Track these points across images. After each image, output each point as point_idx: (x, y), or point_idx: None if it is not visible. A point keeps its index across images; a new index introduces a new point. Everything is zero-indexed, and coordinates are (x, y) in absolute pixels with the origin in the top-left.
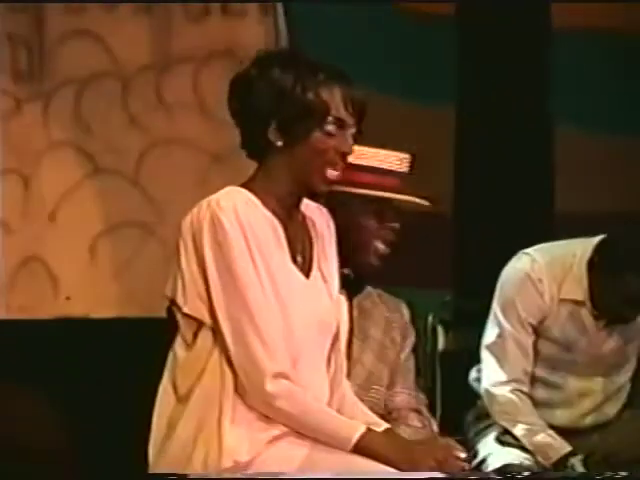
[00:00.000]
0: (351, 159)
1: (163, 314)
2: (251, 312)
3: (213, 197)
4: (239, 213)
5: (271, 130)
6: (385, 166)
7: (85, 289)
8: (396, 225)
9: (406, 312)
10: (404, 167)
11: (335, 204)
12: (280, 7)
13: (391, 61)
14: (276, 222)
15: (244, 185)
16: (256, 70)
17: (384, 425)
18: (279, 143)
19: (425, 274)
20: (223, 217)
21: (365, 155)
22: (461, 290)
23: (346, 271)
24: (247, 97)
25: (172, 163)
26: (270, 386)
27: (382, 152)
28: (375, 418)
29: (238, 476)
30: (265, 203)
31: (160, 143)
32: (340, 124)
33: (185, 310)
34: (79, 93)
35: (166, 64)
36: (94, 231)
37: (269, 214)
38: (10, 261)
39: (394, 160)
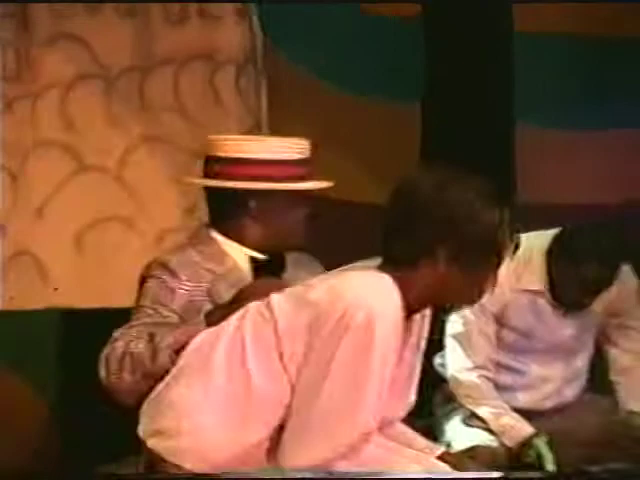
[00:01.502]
0: (259, 155)
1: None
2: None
3: (367, 291)
4: (390, 322)
5: (442, 250)
6: (292, 155)
7: (72, 281)
8: (314, 210)
9: None
10: (307, 153)
11: (259, 196)
12: (254, 10)
13: (358, 60)
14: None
15: (393, 277)
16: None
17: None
18: (441, 266)
19: None
20: (377, 325)
21: (269, 147)
22: None
23: (259, 256)
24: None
25: (153, 160)
26: None
27: (286, 140)
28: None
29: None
30: (404, 303)
31: (142, 141)
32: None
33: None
34: (65, 94)
35: (148, 66)
36: (80, 225)
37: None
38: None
39: (298, 147)
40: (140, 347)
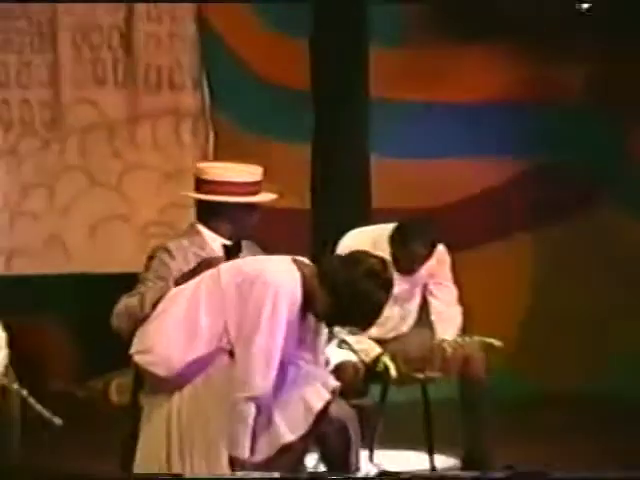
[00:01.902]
0: (229, 178)
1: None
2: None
3: (280, 270)
4: (292, 293)
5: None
6: (249, 178)
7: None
8: (256, 214)
9: None
10: (258, 176)
11: (229, 205)
12: (205, 82)
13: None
14: None
15: (299, 270)
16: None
17: None
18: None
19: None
20: (284, 294)
21: (230, 171)
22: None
23: (228, 242)
24: None
25: (140, 179)
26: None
27: (243, 167)
28: None
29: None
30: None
31: (132, 168)
32: None
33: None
34: (83, 137)
35: (135, 119)
36: (93, 220)
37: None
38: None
39: (250, 173)
40: (134, 302)
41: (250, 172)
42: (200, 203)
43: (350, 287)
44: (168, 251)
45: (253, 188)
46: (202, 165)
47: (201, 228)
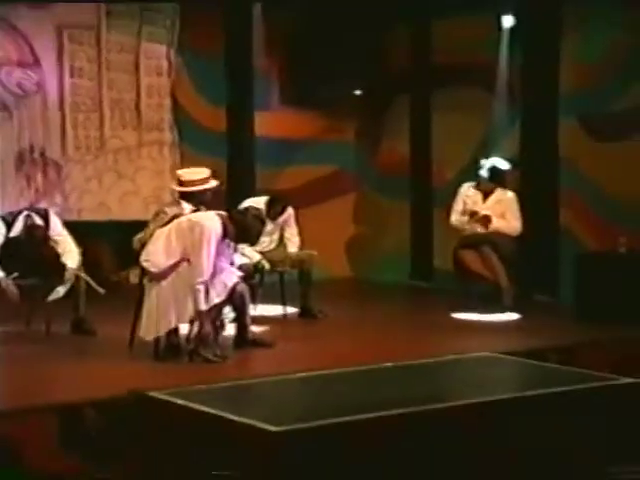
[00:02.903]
0: (194, 177)
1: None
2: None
3: (209, 218)
4: (217, 232)
5: None
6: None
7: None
8: (210, 193)
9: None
10: (207, 173)
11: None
12: (175, 127)
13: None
14: None
15: (220, 217)
16: None
17: None
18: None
19: None
20: (212, 232)
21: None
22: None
23: (194, 208)
24: None
25: (145, 174)
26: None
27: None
28: None
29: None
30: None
31: (140, 169)
32: None
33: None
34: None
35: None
36: (118, 196)
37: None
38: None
39: (203, 172)
40: (142, 234)
41: (203, 172)
42: (181, 193)
43: (244, 223)
44: (164, 212)
45: (206, 180)
46: (179, 172)
47: (181, 202)
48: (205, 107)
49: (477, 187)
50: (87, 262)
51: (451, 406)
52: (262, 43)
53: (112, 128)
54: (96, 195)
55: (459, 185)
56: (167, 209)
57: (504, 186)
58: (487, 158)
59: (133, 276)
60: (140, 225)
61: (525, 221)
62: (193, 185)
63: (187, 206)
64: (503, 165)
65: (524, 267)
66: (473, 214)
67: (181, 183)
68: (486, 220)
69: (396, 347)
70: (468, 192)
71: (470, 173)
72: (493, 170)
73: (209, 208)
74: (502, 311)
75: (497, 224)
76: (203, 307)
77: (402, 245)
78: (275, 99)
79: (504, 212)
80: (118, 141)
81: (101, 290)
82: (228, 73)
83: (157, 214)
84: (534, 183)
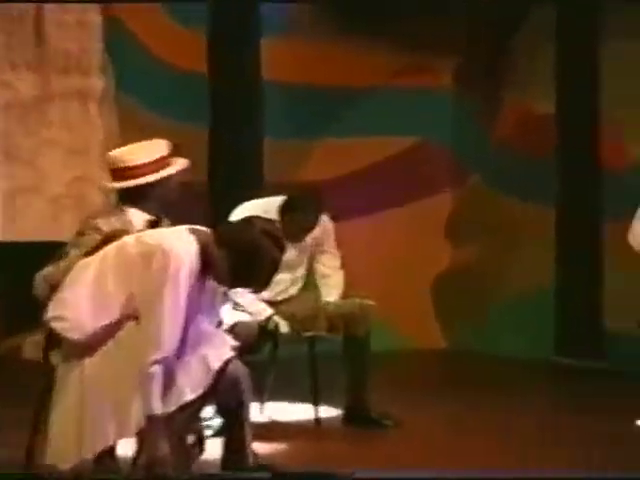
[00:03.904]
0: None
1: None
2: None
3: (176, 239)
4: (189, 261)
5: None
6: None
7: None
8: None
9: None
10: (165, 149)
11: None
12: (111, 67)
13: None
14: None
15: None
16: None
17: None
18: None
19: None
20: (183, 261)
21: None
22: None
23: (151, 218)
24: None
25: (51, 155)
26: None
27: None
28: None
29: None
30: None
31: (44, 144)
32: None
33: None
34: None
35: (46, 99)
36: (8, 192)
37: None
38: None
39: (158, 148)
40: (51, 270)
41: (158, 147)
42: (122, 190)
43: (246, 245)
44: (98, 230)
45: (164, 162)
46: (113, 154)
47: (126, 207)
48: (171, 28)
49: None
50: None
51: None
52: None
53: None
54: None
55: None
56: (100, 221)
57: None
58: None
59: (30, 347)
60: (45, 251)
61: None
62: (139, 173)
63: (137, 215)
64: None
65: None
66: None
67: (118, 172)
68: None
69: None
70: None
71: None
72: None
73: (176, 220)
74: None
75: None
76: (158, 409)
77: (542, 289)
78: (301, 16)
79: None
80: (4, 90)
81: None
82: None
83: (81, 232)
84: None
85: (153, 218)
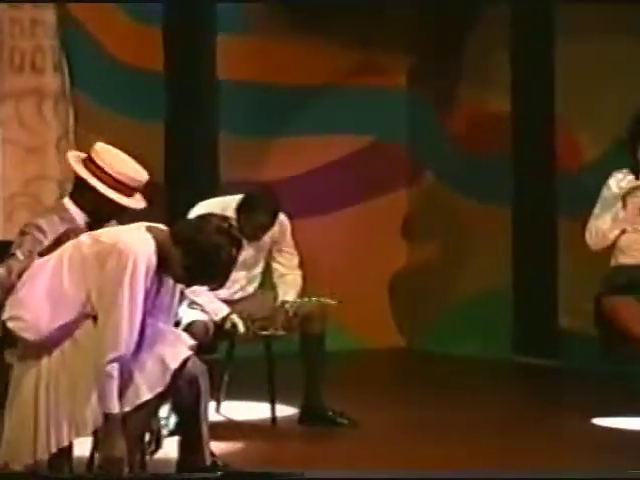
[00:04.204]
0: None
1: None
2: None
3: (133, 238)
4: (146, 260)
5: None
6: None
7: None
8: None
9: None
10: (142, 181)
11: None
12: (66, 65)
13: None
14: None
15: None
16: None
17: None
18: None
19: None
20: (140, 261)
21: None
22: None
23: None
24: None
25: (6, 153)
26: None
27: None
28: None
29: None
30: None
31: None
32: None
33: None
34: None
35: (0, 98)
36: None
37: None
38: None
39: (138, 176)
40: (2, 272)
41: (138, 175)
42: (81, 179)
43: (202, 243)
44: (39, 228)
45: (132, 191)
46: (101, 147)
47: (69, 205)
48: (126, 26)
49: None
50: None
51: None
52: None
53: None
54: None
55: (607, 173)
56: (41, 220)
57: None
58: None
59: None
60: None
61: None
62: (122, 189)
63: (79, 215)
64: None
65: None
66: None
67: (96, 169)
68: None
69: None
70: (624, 183)
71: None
72: None
73: (132, 219)
74: None
75: None
76: (116, 408)
77: (499, 288)
78: (257, 15)
79: None
80: None
81: None
82: None
83: (23, 232)
84: None
85: (97, 219)
